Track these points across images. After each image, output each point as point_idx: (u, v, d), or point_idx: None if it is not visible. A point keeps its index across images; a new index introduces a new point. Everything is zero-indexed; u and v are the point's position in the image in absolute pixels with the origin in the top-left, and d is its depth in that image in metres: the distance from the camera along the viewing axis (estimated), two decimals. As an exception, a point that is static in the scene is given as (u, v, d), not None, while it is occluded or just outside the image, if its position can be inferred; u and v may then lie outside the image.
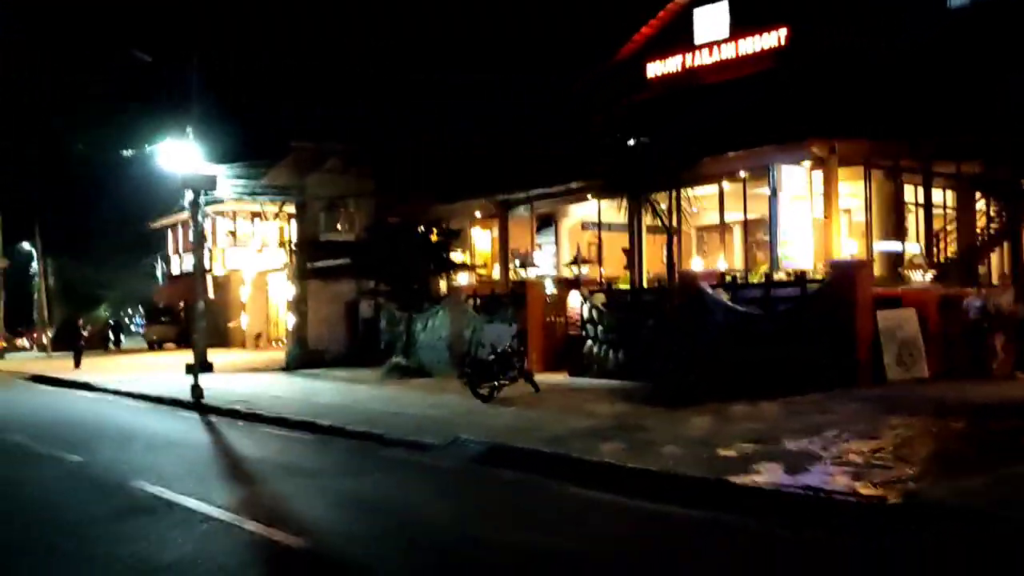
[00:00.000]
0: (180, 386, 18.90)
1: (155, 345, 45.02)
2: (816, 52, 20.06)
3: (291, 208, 30.53)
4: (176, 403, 17.98)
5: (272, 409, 15.54)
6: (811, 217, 17.93)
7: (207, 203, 24.39)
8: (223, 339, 37.57)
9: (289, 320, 34.16)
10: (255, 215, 37.78)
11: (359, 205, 26.07)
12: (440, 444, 11.15)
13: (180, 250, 42.61)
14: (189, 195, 24.00)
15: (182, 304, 45.74)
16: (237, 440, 12.79)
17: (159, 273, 60.12)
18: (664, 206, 19.94)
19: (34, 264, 50.53)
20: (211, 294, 40.60)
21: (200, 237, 25.05)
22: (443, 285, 23.19)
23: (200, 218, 24.69)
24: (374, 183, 25.73)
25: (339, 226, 26.46)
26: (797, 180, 17.90)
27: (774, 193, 18.19)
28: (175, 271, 43.82)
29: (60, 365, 30.60)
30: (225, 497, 8.42)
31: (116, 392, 20.78)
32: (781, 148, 17.65)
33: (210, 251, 39.79)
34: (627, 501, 8.13)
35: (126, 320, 51.04)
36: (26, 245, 49.67)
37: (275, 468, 10.38)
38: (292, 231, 32.24)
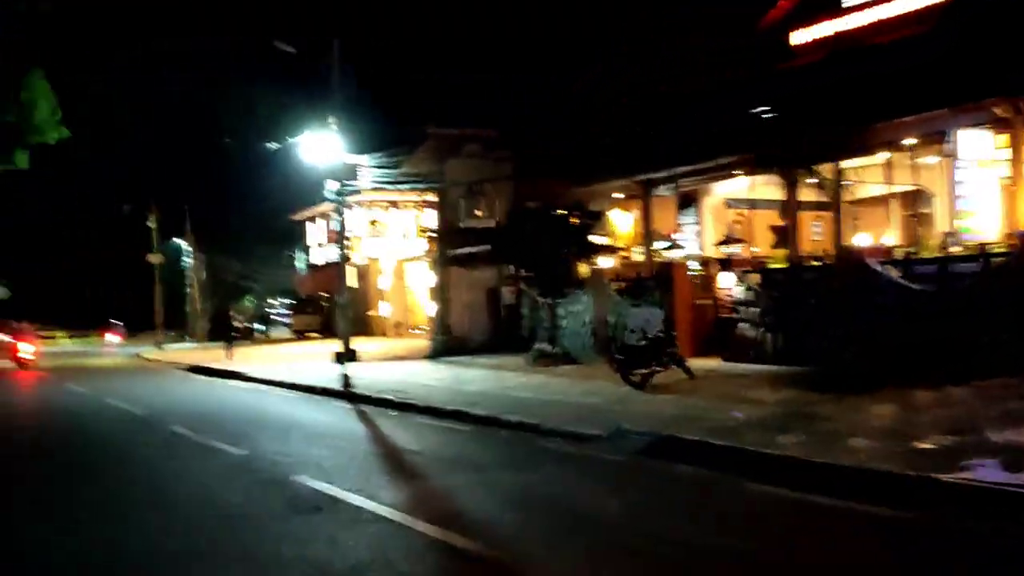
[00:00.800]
0: (328, 375, 19.10)
1: (300, 334, 46.36)
2: (985, 4, 18.40)
3: (429, 196, 30.61)
4: (327, 392, 18.15)
5: (423, 398, 15.43)
6: (995, 185, 16.44)
7: (348, 193, 24.52)
8: (364, 328, 38.19)
9: (429, 308, 34.46)
10: (392, 204, 38.16)
11: (498, 190, 25.81)
12: (602, 435, 10.66)
13: (321, 241, 43.58)
14: (332, 186, 24.23)
15: (324, 294, 46.98)
16: (392, 431, 12.65)
17: (299, 264, 62.04)
18: (815, 180, 18.82)
19: (184, 258, 52.89)
20: (352, 283, 41.53)
21: (342, 228, 25.29)
22: (585, 269, 22.65)
23: (342, 209, 24.91)
24: (512, 167, 25.42)
25: (478, 212, 26.27)
26: (977, 145, 16.40)
27: (951, 160, 16.78)
28: (316, 262, 44.88)
29: (213, 355, 31.73)
30: (391, 494, 8.16)
31: (268, 382, 21.23)
32: (958, 110, 16.21)
33: (350, 241, 40.63)
34: (820, 499, 7.44)
35: (271, 311, 52.73)
36: (176, 240, 52.02)
37: (437, 461, 10.12)
38: (430, 220, 32.33)
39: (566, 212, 22.05)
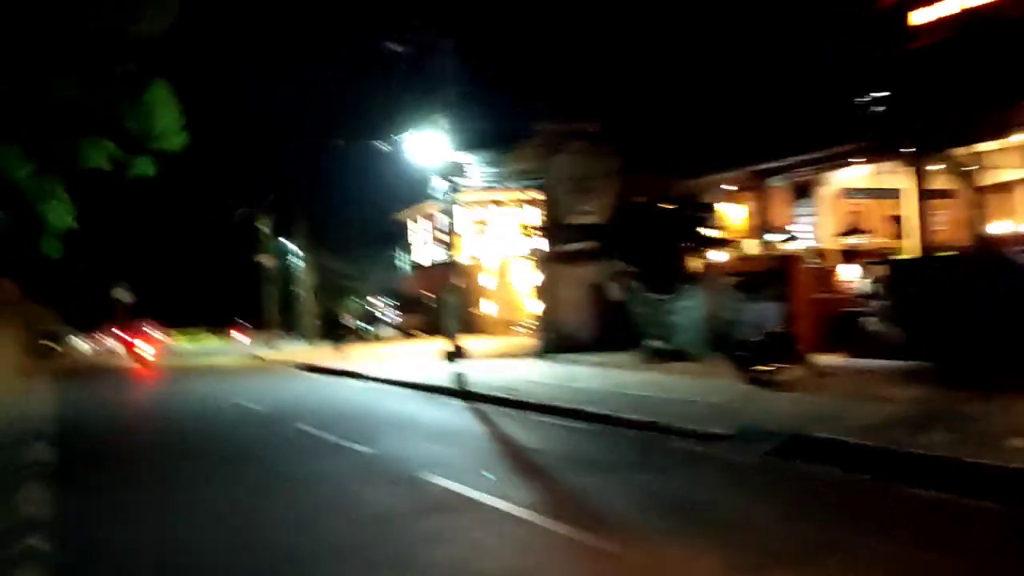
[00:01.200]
0: (440, 373, 19.23)
1: (406, 333, 47.00)
2: None
3: (533, 193, 30.55)
4: (441, 390, 18.25)
5: (538, 396, 15.31)
6: None
7: (454, 191, 24.66)
8: (469, 326, 38.31)
9: (533, 305, 34.43)
10: (495, 203, 38.31)
11: (605, 185, 25.48)
12: (730, 435, 10.34)
13: (424, 240, 44.07)
14: (439, 184, 24.44)
15: (429, 293, 47.53)
16: (512, 429, 12.58)
17: (400, 264, 62.93)
18: (941, 166, 17.91)
19: (293, 259, 54.25)
20: (458, 282, 41.87)
21: (451, 226, 25.48)
22: (697, 263, 22.17)
23: (450, 207, 25.08)
24: (619, 161, 25.08)
25: (585, 208, 26.03)
26: None
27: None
28: (421, 262, 45.39)
29: (325, 354, 32.41)
30: (524, 495, 8.05)
31: (382, 380, 21.51)
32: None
33: (453, 240, 40.97)
34: (981, 503, 7.01)
35: (375, 311, 53.56)
36: (285, 241, 53.41)
37: (562, 461, 9.98)
38: (533, 216, 32.27)
39: (676, 206, 21.63)
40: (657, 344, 20.70)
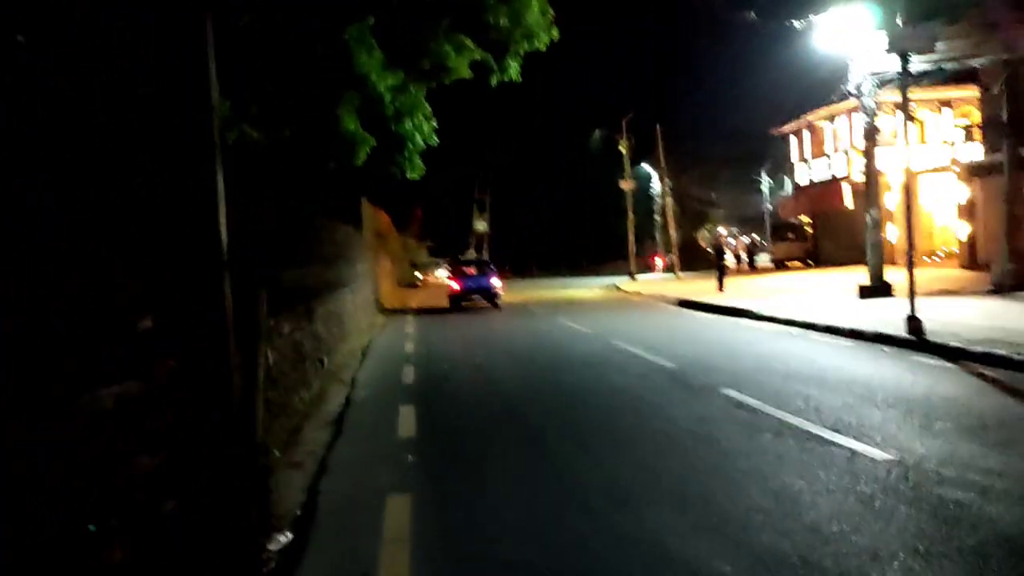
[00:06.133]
0: (864, 314, 15.68)
1: (779, 264, 41.86)
2: None
3: (953, 92, 23.97)
4: (882, 339, 13.66)
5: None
6: None
7: (878, 85, 19.40)
8: (862, 256, 32.52)
9: (958, 230, 27.92)
10: (897, 106, 31.69)
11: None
12: None
13: (808, 156, 38.32)
14: (857, 75, 19.36)
15: (807, 218, 41.77)
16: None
17: (765, 187, 57.11)
18: None
19: (653, 184, 50.66)
20: (849, 203, 35.83)
21: (871, 127, 20.22)
22: None
23: (868, 104, 19.83)
24: None
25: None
26: None
27: None
28: (802, 181, 39.74)
29: (697, 288, 28.48)
30: None
31: (790, 322, 17.08)
32: None
33: (847, 153, 34.94)
34: None
35: (750, 240, 48.68)
36: (644, 166, 49.87)
37: None
38: (946, 121, 25.67)
39: None
40: None
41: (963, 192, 26.88)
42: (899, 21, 15.13)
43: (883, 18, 17.79)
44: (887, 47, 14.09)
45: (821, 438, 7.38)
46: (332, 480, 7.02)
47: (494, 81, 18.18)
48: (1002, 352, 11.25)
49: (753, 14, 18.07)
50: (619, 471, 6.77)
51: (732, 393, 9.64)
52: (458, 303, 27.47)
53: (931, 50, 14.41)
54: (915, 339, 13.14)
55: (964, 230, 27.07)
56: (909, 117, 15.55)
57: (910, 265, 13.83)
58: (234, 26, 11.85)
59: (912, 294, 13.69)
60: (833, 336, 15.04)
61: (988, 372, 10.48)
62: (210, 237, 5.11)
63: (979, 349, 11.69)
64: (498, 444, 8.08)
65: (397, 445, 8.18)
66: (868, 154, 20.56)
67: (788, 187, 43.58)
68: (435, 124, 19.14)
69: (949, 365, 11.29)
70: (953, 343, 12.34)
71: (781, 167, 46.78)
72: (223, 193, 5.27)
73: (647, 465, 6.91)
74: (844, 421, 7.99)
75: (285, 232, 10.04)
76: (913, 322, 13.46)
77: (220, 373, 5.11)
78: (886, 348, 13.17)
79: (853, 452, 6.85)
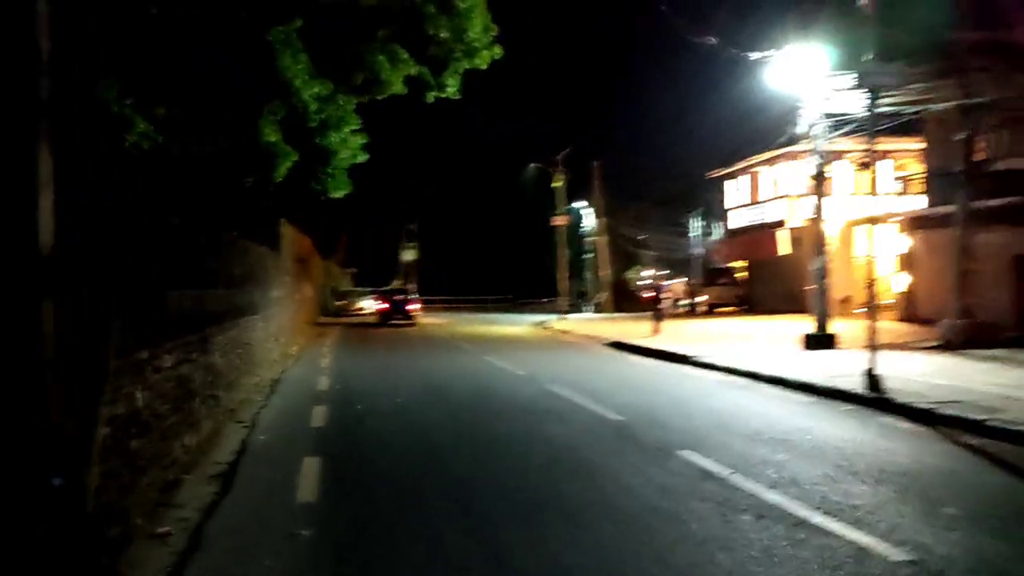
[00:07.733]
0: (816, 367, 14.94)
1: (710, 309, 41.23)
2: None
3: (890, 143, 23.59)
4: (839, 395, 12.63)
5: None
6: None
7: (832, 127, 18.74)
8: (796, 304, 31.97)
9: (897, 282, 27.47)
10: (836, 155, 31.37)
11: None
12: None
13: (745, 201, 37.87)
14: (809, 116, 18.64)
15: (739, 263, 41.34)
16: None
17: (692, 232, 56.85)
18: None
19: (584, 222, 49.77)
20: (785, 250, 35.35)
21: (820, 173, 19.50)
22: None
23: (820, 148, 19.10)
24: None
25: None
26: None
27: None
28: (736, 226, 39.28)
29: (631, 330, 27.38)
30: None
31: (734, 371, 15.99)
32: None
33: (787, 199, 34.52)
34: None
35: (685, 283, 47.94)
36: (576, 204, 48.98)
37: None
38: (888, 170, 25.35)
39: None
40: None
41: (903, 243, 26.47)
42: (864, 60, 14.29)
43: (841, 59, 17.14)
44: (857, 80, 13.25)
45: (812, 525, 6.10)
46: (203, 563, 5.47)
47: (431, 97, 16.77)
48: (976, 416, 10.28)
49: (713, 39, 17.10)
50: (573, 558, 5.39)
51: (693, 457, 8.35)
52: (386, 320, 36.96)
53: (902, 86, 13.60)
54: (876, 397, 12.15)
55: (903, 282, 26.62)
56: (864, 164, 14.78)
57: (872, 315, 12.89)
58: (143, 15, 10.23)
59: (874, 347, 12.75)
60: (784, 389, 13.96)
61: (968, 439, 9.44)
62: (19, 243, 3.61)
63: (951, 412, 10.70)
64: (421, 513, 6.61)
65: (294, 512, 6.67)
66: (817, 197, 19.81)
67: (720, 231, 43.16)
68: (366, 138, 17.60)
69: (921, 429, 10.25)
70: (920, 404, 11.35)
71: (714, 211, 46.43)
72: (49, 181, 3.78)
73: (606, 553, 5.55)
74: (831, 500, 6.75)
75: (182, 249, 8.46)
76: (872, 379, 12.51)
77: (30, 431, 3.61)
78: (845, 405, 12.13)
79: (859, 548, 5.58)
